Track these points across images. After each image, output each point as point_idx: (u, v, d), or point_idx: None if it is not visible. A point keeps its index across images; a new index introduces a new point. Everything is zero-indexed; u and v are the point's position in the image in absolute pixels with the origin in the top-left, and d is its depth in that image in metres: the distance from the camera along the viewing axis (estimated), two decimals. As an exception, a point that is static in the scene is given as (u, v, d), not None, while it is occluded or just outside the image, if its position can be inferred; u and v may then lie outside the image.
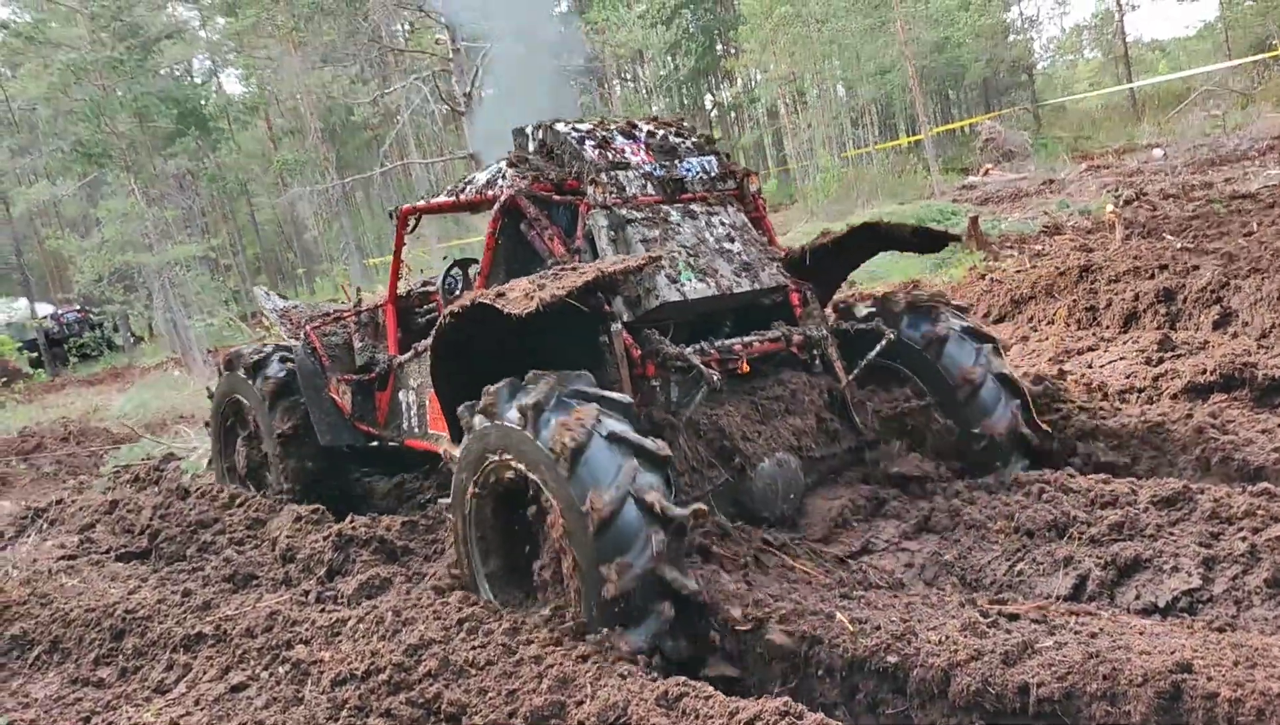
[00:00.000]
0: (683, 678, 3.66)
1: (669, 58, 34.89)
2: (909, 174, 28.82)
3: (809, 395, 5.58)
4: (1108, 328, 8.74)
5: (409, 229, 6.50)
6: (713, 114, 55.21)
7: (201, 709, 4.45)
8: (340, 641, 4.55)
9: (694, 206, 5.75)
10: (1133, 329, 8.53)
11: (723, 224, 5.76)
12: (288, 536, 5.86)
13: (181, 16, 43.84)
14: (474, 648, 4.09)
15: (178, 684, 4.80)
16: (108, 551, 6.93)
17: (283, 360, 7.26)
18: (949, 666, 3.36)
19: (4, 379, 22.92)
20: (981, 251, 14.96)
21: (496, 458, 4.58)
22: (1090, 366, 7.46)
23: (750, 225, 5.91)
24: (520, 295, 4.42)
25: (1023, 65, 46.37)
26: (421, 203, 6.58)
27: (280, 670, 4.53)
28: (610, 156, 5.68)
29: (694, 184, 5.83)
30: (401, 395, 6.52)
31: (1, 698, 5.15)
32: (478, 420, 4.66)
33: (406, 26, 37.12)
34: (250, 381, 7.31)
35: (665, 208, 5.63)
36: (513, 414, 4.43)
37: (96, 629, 5.46)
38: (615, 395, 4.52)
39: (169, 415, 15.36)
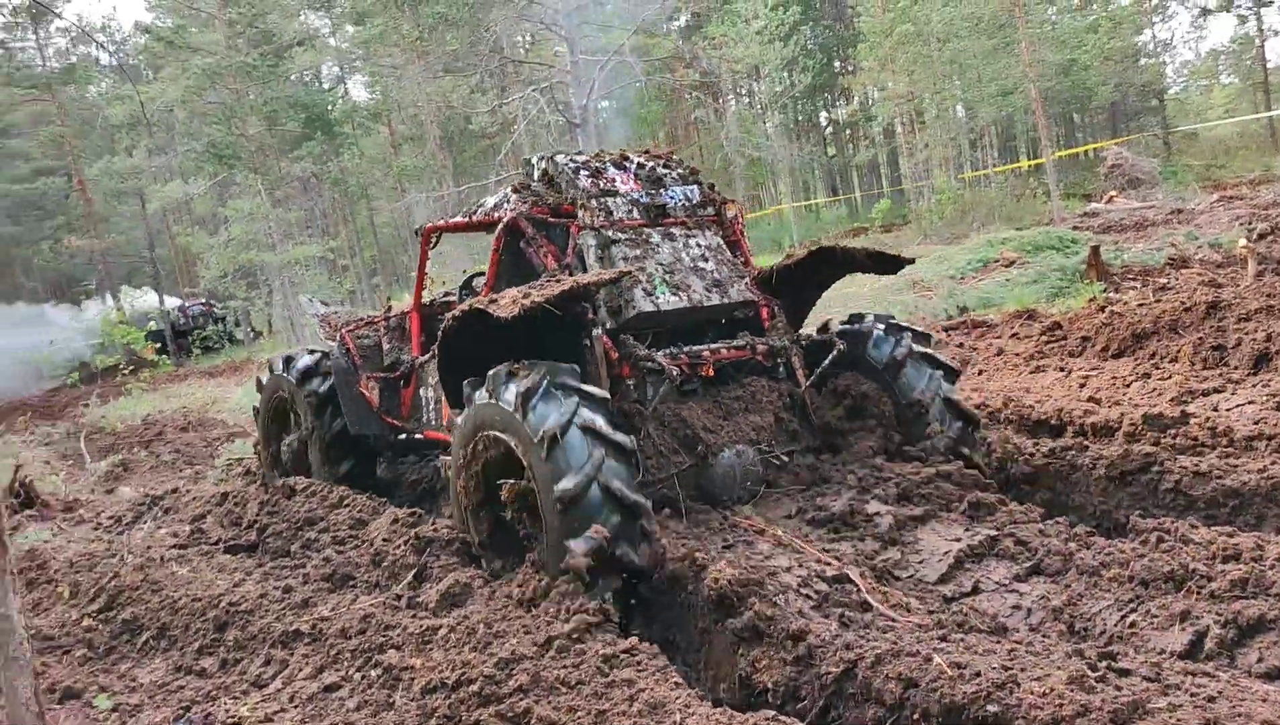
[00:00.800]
0: (771, 712, 3.58)
1: (785, 74, 34.67)
2: (1028, 199, 28.08)
3: (769, 397, 6.31)
4: (1236, 369, 8.31)
5: (431, 245, 7.14)
6: (828, 131, 54.78)
7: (295, 706, 4.53)
8: (431, 649, 4.59)
9: (674, 230, 6.50)
10: (1263, 371, 8.08)
11: (699, 245, 6.51)
12: (383, 539, 5.94)
13: (313, 24, 45.40)
14: (566, 666, 4.07)
15: (274, 679, 4.91)
16: (217, 542, 7.15)
17: (327, 370, 8.04)
18: (1053, 721, 3.21)
19: (132, 367, 23.95)
20: (1101, 282, 14.46)
21: (490, 432, 5.33)
22: (1215, 409, 7.10)
23: (725, 247, 6.64)
24: (508, 302, 5.21)
25: (1153, 90, 44.80)
26: (441, 222, 7.33)
27: (372, 674, 4.59)
28: (601, 185, 6.44)
29: (676, 210, 6.59)
30: (422, 392, 7.25)
31: (110, 680, 5.34)
32: (478, 396, 5.40)
33: (527, 38, 37.76)
34: (300, 386, 8.10)
35: (648, 230, 6.40)
36: (508, 396, 5.14)
37: (202, 619, 5.62)
38: (594, 390, 5.18)
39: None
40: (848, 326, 6.62)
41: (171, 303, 40.04)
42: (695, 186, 6.81)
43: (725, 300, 6.33)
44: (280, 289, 28.33)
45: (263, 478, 8.75)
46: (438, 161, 34.60)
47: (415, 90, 32.22)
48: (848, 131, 53.75)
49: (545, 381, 5.08)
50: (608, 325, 5.96)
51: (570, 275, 5.90)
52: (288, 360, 8.44)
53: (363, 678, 4.63)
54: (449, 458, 5.69)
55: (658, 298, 6.07)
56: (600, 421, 4.98)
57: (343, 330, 8.15)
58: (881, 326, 6.51)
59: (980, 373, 9.43)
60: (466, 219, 7.17)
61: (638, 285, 6.04)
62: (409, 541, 5.71)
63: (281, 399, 8.45)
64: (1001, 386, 8.39)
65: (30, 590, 7.12)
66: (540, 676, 4.07)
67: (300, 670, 4.87)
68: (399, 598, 5.31)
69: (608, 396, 5.28)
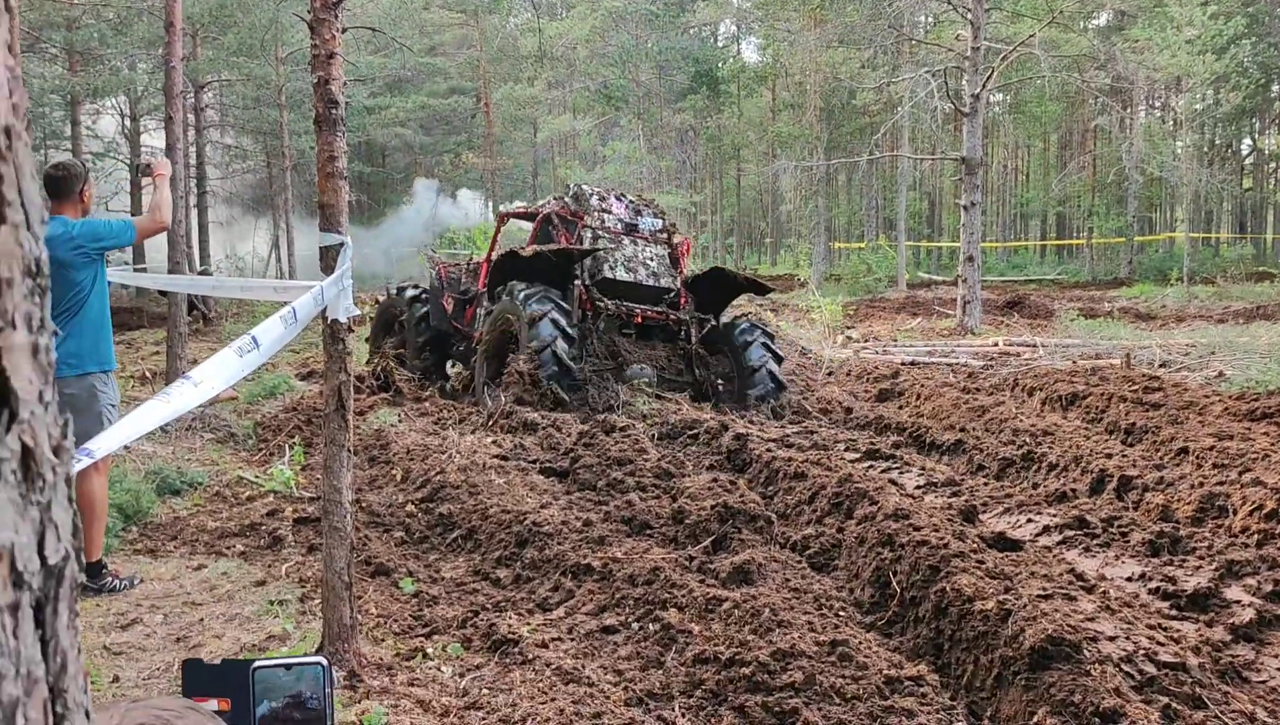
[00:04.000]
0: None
1: (1211, 90, 31.19)
2: None
3: (669, 347, 11.05)
4: None
5: (504, 224, 12.78)
6: (1248, 160, 49.08)
7: (573, 639, 4.57)
8: (712, 620, 4.46)
9: (639, 240, 11.13)
10: None
11: (651, 252, 11.18)
12: (687, 497, 5.88)
13: (719, -19, 46.24)
14: (845, 677, 3.81)
15: (558, 607, 4.98)
16: (534, 462, 7.42)
17: (425, 300, 12.61)
18: None
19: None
20: None
21: (505, 315, 9.97)
22: None
23: (668, 258, 11.30)
24: (530, 251, 10.06)
25: None
26: (512, 208, 13.40)
27: (650, 627, 4.54)
28: (604, 206, 11.06)
29: (643, 230, 11.23)
30: (479, 310, 11.38)
31: (417, 567, 5.66)
32: (503, 298, 10.11)
33: (930, 18, 36.45)
34: (410, 307, 12.64)
35: (624, 237, 11.01)
36: (519, 297, 9.71)
37: (506, 531, 5.83)
38: (564, 303, 9.79)
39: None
40: (729, 321, 11.30)
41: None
42: (660, 220, 11.49)
43: (656, 284, 11.00)
44: (640, 232, 29.31)
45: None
46: (813, 132, 34.35)
47: (805, 58, 32.05)
48: (1273, 164, 47.87)
49: (540, 292, 9.76)
50: (585, 281, 10.49)
51: (587, 248, 10.45)
52: (401, 290, 13.20)
53: (640, 628, 4.60)
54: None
55: (617, 272, 10.73)
56: (561, 319, 9.58)
57: (440, 266, 13.06)
58: (747, 323, 11.13)
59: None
60: (524, 209, 13.14)
61: (606, 262, 10.66)
62: (715, 507, 5.61)
63: (393, 314, 13.17)
64: None
65: (370, 466, 7.75)
66: (815, 679, 3.84)
67: (584, 605, 4.92)
68: (690, 559, 5.23)
69: (570, 310, 9.93)
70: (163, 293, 13.00)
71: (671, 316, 10.92)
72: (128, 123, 24.36)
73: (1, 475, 0.45)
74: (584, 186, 11.27)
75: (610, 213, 10.97)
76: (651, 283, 10.88)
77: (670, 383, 10.48)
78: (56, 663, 0.49)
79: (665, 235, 11.33)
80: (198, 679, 1.49)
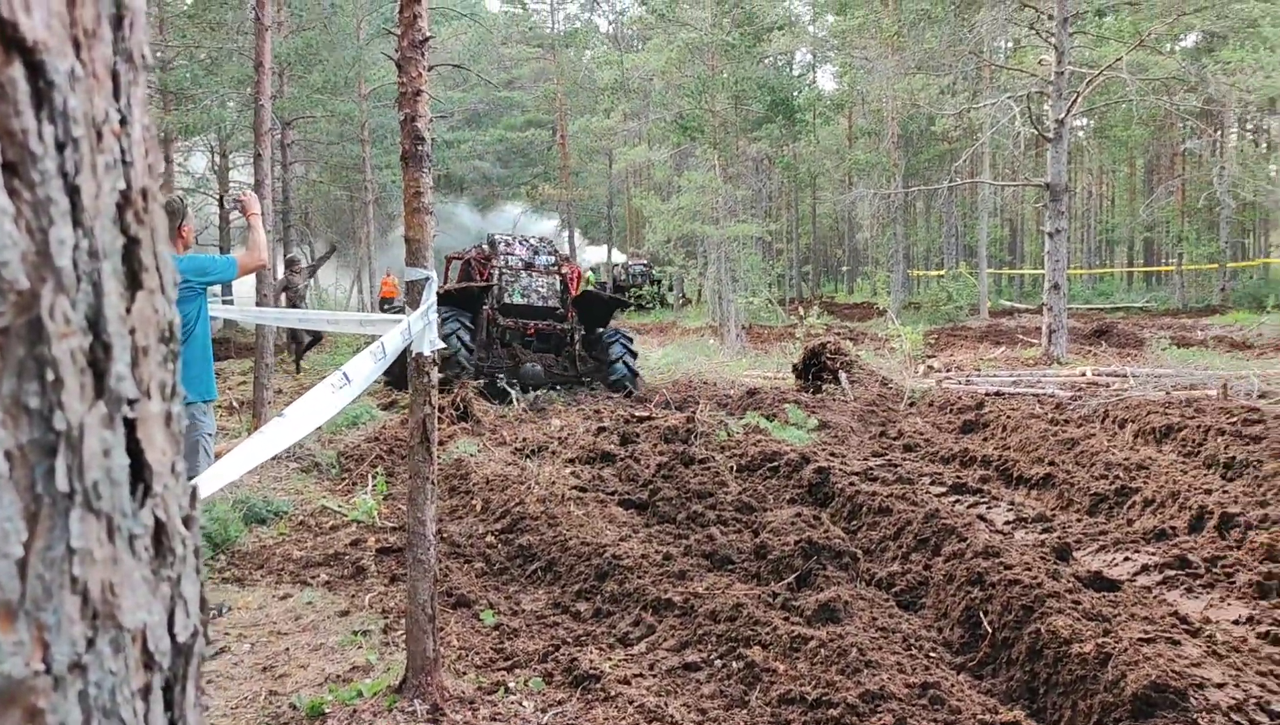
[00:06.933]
0: None
1: (1306, 112, 30.15)
2: None
3: (557, 351, 15.09)
4: None
5: (449, 265, 15.94)
6: (1345, 183, 47.32)
7: (654, 675, 4.51)
8: (798, 659, 4.37)
9: (535, 273, 15.16)
10: None
11: (545, 282, 15.17)
12: (770, 532, 5.79)
13: (795, 10, 46.24)
14: (936, 721, 3.69)
15: (639, 642, 4.93)
16: (613, 493, 7.39)
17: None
18: None
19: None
20: None
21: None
22: None
23: (559, 285, 15.26)
24: (444, 290, 13.26)
25: None
26: (453, 254, 16.34)
27: (733, 665, 4.46)
28: (509, 249, 15.25)
29: (538, 265, 15.21)
30: None
31: (498, 599, 5.65)
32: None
33: (1010, 43, 35.96)
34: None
35: (522, 272, 15.10)
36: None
37: (586, 563, 5.79)
38: (466, 319, 14.04)
39: (695, 377, 16.35)
40: (600, 332, 15.05)
41: (618, 259, 42.82)
42: (552, 257, 15.37)
43: (545, 305, 14.95)
44: (715, 262, 29.27)
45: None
46: (891, 159, 34.03)
47: (883, 85, 31.83)
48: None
49: (451, 313, 13.61)
50: (493, 306, 14.56)
51: (483, 284, 14.54)
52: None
53: (723, 666, 4.52)
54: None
55: (515, 298, 14.82)
56: (464, 325, 13.75)
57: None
58: (611, 330, 14.95)
59: None
60: (459, 255, 16.00)
61: (506, 292, 14.78)
62: (798, 542, 5.51)
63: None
64: None
65: (451, 497, 7.80)
66: (906, 723, 3.72)
67: (665, 640, 4.86)
68: (774, 595, 5.14)
69: (470, 314, 14.03)
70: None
71: (558, 328, 14.95)
72: (217, 159, 25.13)
73: (134, 552, 0.43)
74: (495, 236, 15.61)
75: (513, 254, 15.15)
76: (541, 304, 14.99)
77: (557, 377, 14.39)
78: (183, 746, 0.47)
79: (556, 267, 15.29)
80: None
